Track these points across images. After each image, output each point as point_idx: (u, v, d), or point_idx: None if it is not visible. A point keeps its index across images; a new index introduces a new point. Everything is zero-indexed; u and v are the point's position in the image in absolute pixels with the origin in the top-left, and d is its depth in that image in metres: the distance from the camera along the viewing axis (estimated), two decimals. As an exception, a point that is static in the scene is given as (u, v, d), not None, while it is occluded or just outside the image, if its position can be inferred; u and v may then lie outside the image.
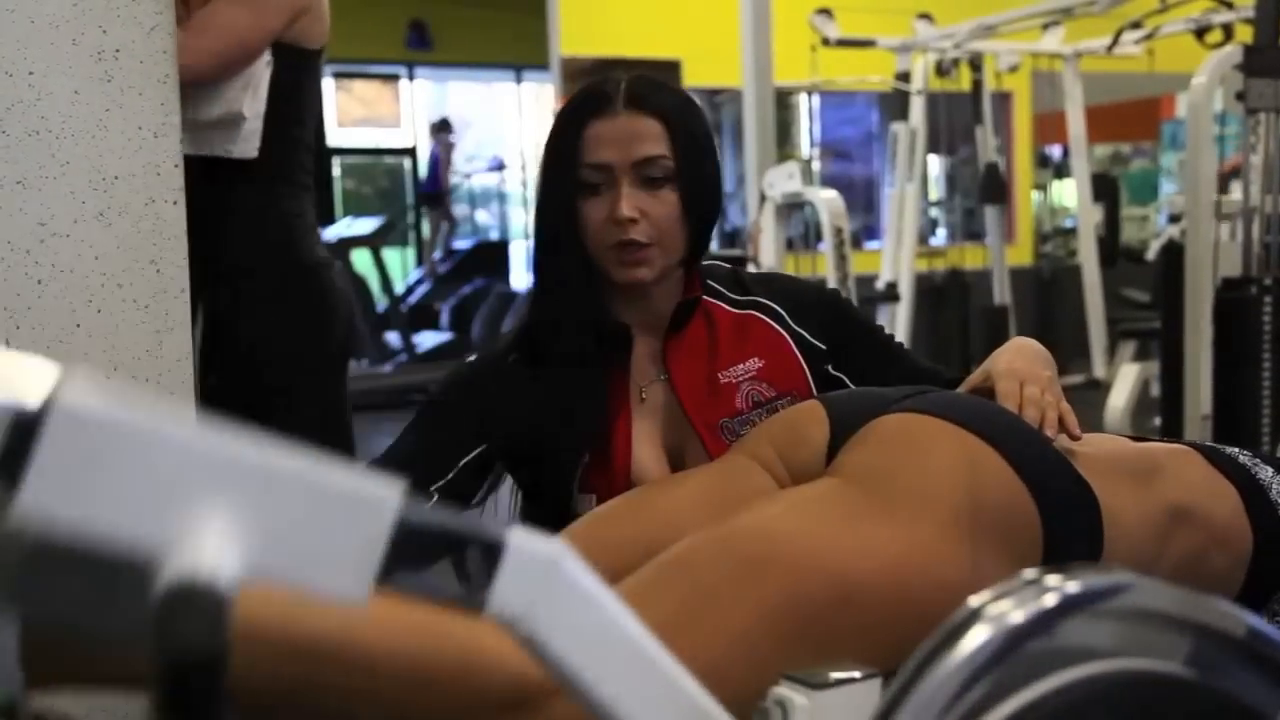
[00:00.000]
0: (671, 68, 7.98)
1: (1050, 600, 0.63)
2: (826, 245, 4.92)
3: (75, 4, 1.46)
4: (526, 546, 0.62)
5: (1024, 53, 6.69)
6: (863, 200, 9.66)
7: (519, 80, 11.05)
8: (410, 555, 0.58)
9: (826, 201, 4.85)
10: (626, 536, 1.19)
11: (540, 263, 1.47)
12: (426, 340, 8.14)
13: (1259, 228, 3.60)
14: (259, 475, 0.54)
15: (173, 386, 1.55)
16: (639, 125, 1.39)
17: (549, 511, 1.43)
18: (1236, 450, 1.22)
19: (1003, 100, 8.55)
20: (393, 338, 7.99)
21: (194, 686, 0.46)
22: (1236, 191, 4.01)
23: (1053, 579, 0.65)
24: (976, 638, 0.63)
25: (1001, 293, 6.66)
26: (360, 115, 11.36)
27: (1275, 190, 3.62)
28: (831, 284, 4.94)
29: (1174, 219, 4.41)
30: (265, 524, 0.54)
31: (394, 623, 0.85)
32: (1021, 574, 0.67)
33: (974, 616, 0.64)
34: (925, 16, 6.31)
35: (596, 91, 1.42)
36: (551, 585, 0.62)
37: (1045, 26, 6.32)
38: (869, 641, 0.96)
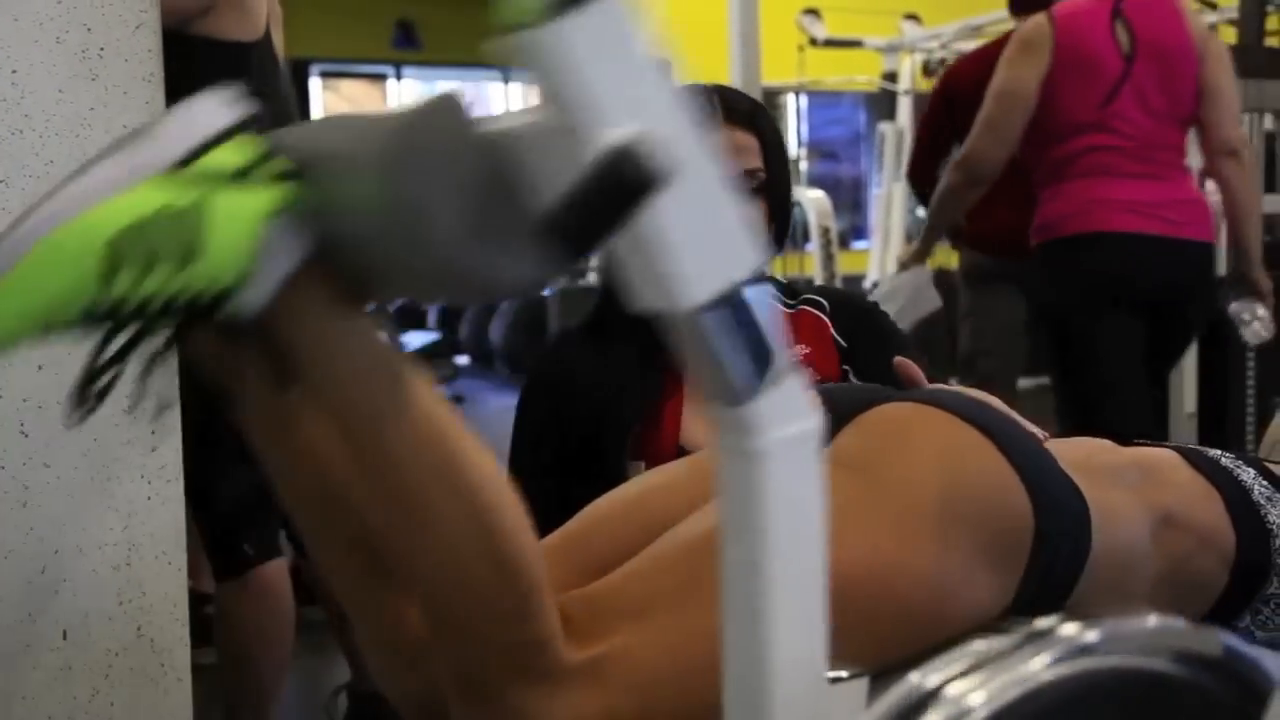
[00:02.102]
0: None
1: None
2: (814, 245, 4.93)
3: (60, 1, 1.45)
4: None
5: (1011, 53, 6.69)
6: (850, 200, 9.68)
7: (507, 80, 11.03)
8: None
9: (814, 201, 4.86)
10: (624, 523, 1.19)
11: None
12: (414, 340, 8.12)
13: (1245, 228, 3.61)
14: None
15: (154, 387, 1.55)
16: (739, 139, 1.46)
17: (600, 477, 1.49)
18: (1219, 453, 1.23)
19: (989, 100, 8.55)
20: (380, 337, 7.95)
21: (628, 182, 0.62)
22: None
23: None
24: None
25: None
26: (347, 115, 11.34)
27: (1262, 190, 3.64)
28: (818, 283, 4.94)
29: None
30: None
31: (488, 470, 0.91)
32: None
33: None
34: (912, 17, 6.32)
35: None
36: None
37: (1032, 27, 6.32)
38: (853, 637, 0.95)
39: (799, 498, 0.69)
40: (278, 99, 2.06)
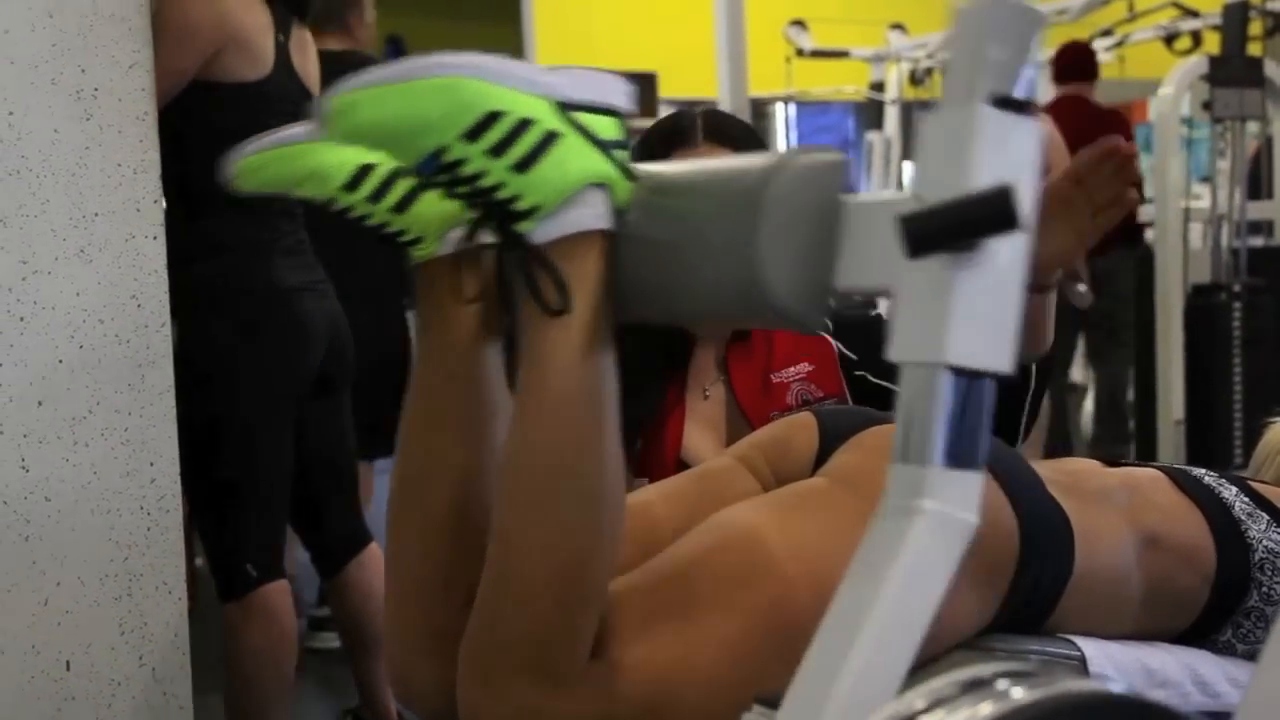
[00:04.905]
0: (648, 80, 8.01)
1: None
2: (804, 256, 4.95)
3: (54, 44, 1.48)
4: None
5: (996, 60, 6.72)
6: (840, 208, 9.70)
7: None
8: None
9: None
10: (626, 534, 1.20)
11: None
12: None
13: (1228, 234, 3.64)
14: None
15: (155, 419, 1.57)
16: (717, 154, 1.51)
17: None
18: (1203, 471, 1.25)
19: (977, 107, 8.57)
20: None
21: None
22: (1205, 198, 4.05)
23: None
24: None
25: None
26: (338, 130, 11.35)
27: (1243, 197, 3.67)
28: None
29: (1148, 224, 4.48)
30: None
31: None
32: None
33: None
34: (898, 27, 6.35)
35: (677, 125, 1.57)
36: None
37: (1017, 34, 6.36)
38: None
39: (929, 571, 0.73)
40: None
